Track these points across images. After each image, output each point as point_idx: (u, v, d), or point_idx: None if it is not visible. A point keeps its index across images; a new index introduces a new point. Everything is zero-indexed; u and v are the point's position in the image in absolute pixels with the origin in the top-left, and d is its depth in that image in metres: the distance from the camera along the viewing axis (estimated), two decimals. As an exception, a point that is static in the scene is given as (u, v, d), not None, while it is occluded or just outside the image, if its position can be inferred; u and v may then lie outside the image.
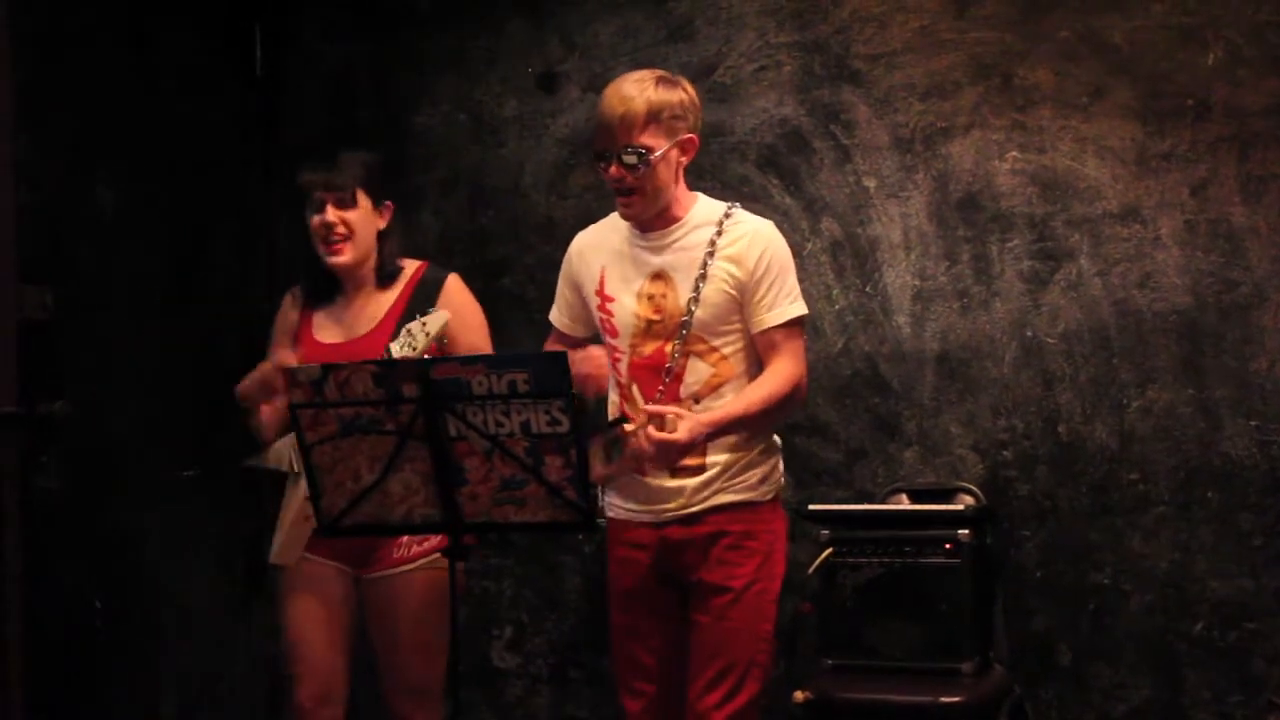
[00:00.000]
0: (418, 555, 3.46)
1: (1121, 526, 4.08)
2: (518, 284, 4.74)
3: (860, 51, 4.36)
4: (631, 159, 3.22)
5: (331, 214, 3.48)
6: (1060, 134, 4.16)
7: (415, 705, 3.50)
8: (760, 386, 3.26)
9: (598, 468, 3.29)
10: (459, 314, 3.47)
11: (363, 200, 3.52)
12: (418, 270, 3.59)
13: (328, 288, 3.58)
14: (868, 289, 4.34)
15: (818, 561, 3.95)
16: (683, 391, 3.28)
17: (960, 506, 4.00)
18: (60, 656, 4.08)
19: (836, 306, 4.36)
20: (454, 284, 3.57)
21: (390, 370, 2.87)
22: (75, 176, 4.27)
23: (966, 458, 4.23)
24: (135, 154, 4.42)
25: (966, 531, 3.86)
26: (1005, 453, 4.20)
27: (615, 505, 3.40)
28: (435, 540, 3.40)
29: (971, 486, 4.15)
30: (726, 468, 3.31)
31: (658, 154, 3.23)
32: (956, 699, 3.67)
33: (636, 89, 3.25)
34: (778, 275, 3.29)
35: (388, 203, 3.59)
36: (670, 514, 3.32)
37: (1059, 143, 4.17)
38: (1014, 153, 4.21)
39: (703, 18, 4.55)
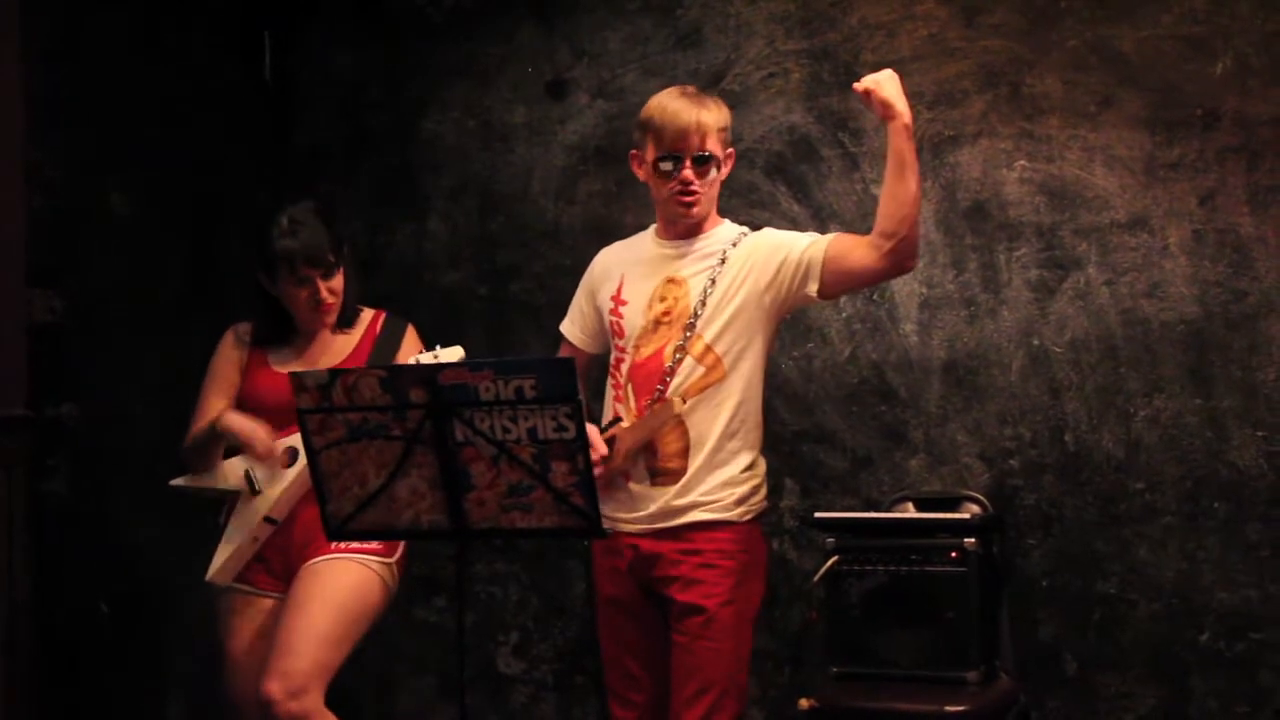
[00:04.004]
0: (353, 550, 3.44)
1: (1128, 536, 4.08)
2: (526, 290, 4.75)
3: (869, 59, 4.36)
4: (704, 163, 3.35)
5: (324, 290, 3.52)
6: (1068, 143, 4.17)
7: (288, 696, 3.28)
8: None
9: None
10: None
11: (339, 261, 3.57)
12: (377, 316, 3.67)
13: (282, 330, 3.62)
14: (875, 297, 4.34)
15: (823, 569, 3.94)
16: (670, 390, 3.31)
17: (966, 515, 3.99)
18: (67, 660, 4.09)
19: (844, 314, 4.37)
20: (413, 333, 3.65)
21: (398, 376, 2.88)
22: (85, 181, 4.28)
23: (973, 466, 4.23)
24: (145, 159, 4.44)
25: (973, 540, 3.86)
26: (1012, 461, 4.19)
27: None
28: (372, 543, 3.43)
29: (978, 495, 4.14)
30: (703, 479, 3.31)
31: (718, 162, 3.38)
32: (962, 708, 3.66)
33: (699, 101, 3.37)
34: (787, 238, 3.40)
35: (345, 248, 3.61)
36: (644, 525, 3.33)
37: (1067, 152, 4.17)
38: (1022, 161, 4.21)
39: (711, 25, 4.56)
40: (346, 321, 3.63)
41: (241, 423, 3.48)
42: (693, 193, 3.35)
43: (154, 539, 4.35)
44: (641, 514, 3.32)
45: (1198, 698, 4.00)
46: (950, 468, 4.25)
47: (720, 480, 3.32)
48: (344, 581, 3.42)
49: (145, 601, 4.35)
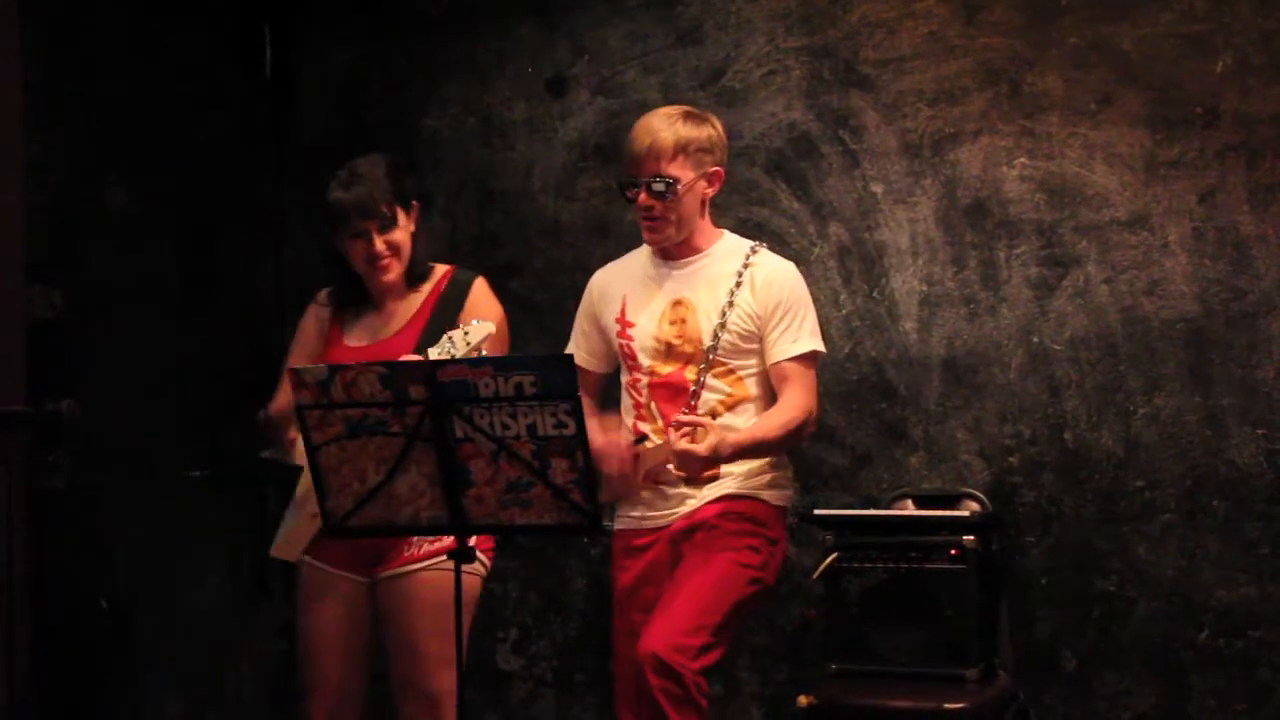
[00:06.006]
0: (428, 554, 3.39)
1: (1127, 534, 4.08)
2: (526, 287, 4.74)
3: (869, 57, 4.36)
4: (659, 187, 3.34)
5: (378, 243, 3.42)
6: (1069, 141, 4.17)
7: (425, 713, 3.38)
8: (777, 414, 3.36)
9: (606, 491, 3.40)
10: (480, 317, 3.41)
11: (400, 215, 3.45)
12: (446, 273, 3.54)
13: (356, 293, 3.54)
14: (875, 294, 4.34)
15: (823, 566, 3.95)
16: (701, 409, 3.36)
17: (966, 512, 4.00)
18: (67, 656, 4.09)
19: (843, 311, 4.37)
20: (481, 287, 3.52)
21: (397, 372, 2.88)
22: (85, 176, 4.28)
23: (972, 463, 4.23)
24: (145, 154, 4.44)
25: (972, 537, 3.86)
26: (1011, 459, 4.19)
27: (622, 516, 3.47)
28: (449, 540, 3.28)
29: (977, 492, 4.15)
30: (736, 474, 3.40)
31: (684, 184, 3.34)
32: (961, 705, 3.67)
33: (665, 122, 3.37)
34: (793, 311, 3.40)
35: (414, 203, 3.52)
36: (678, 516, 3.40)
37: (1067, 149, 4.17)
38: (1022, 159, 4.21)
39: (712, 22, 4.56)
40: (419, 278, 3.51)
41: (283, 412, 3.39)
42: (652, 218, 3.38)
43: (154, 534, 4.35)
44: (678, 510, 3.39)
45: (1196, 695, 4.00)
46: (950, 465, 4.25)
47: (754, 471, 3.41)
48: (434, 596, 3.32)
49: (144, 596, 4.35)
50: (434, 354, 3.31)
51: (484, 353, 3.32)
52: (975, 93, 4.26)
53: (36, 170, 4.05)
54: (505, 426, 2.82)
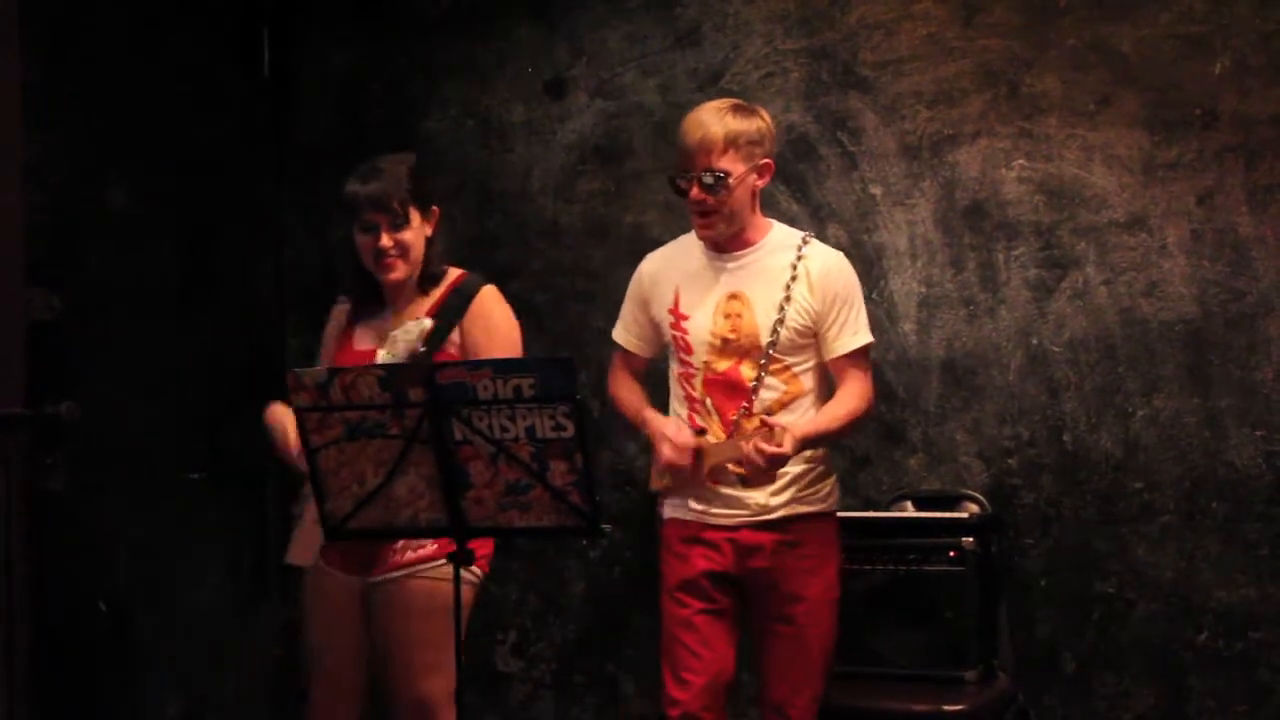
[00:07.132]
0: (411, 561, 3.34)
1: (1126, 535, 4.08)
2: (525, 289, 4.74)
3: (868, 59, 4.36)
4: (710, 181, 3.35)
5: (385, 238, 3.38)
6: (1067, 142, 4.17)
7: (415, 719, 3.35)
8: (843, 403, 3.40)
9: (658, 479, 3.44)
10: (485, 325, 3.40)
11: (414, 215, 3.42)
12: (456, 279, 3.49)
13: (375, 298, 3.50)
14: (874, 296, 4.34)
15: (822, 568, 3.95)
16: (757, 406, 3.38)
17: (965, 514, 4.00)
18: (66, 658, 4.09)
19: (843, 313, 4.36)
20: (487, 295, 3.46)
21: (396, 374, 2.88)
22: (84, 178, 4.28)
23: (971, 465, 4.23)
24: (144, 156, 4.44)
25: (971, 539, 3.87)
26: (1010, 460, 4.20)
27: (676, 504, 3.48)
28: (431, 548, 3.32)
29: (976, 494, 4.15)
30: (796, 479, 3.40)
31: (735, 177, 3.36)
32: (960, 707, 3.67)
33: (714, 116, 3.38)
34: (849, 304, 3.44)
35: (434, 208, 3.48)
36: (744, 519, 3.40)
37: (1066, 151, 4.17)
38: (1021, 161, 4.21)
39: (710, 24, 4.56)
40: (430, 282, 3.47)
41: (277, 419, 3.35)
42: (705, 213, 3.39)
43: (154, 535, 4.35)
44: (742, 511, 3.40)
45: (1196, 697, 4.00)
46: (949, 467, 4.25)
47: (812, 475, 3.43)
48: (417, 605, 3.32)
49: (144, 598, 4.35)
50: (381, 355, 3.31)
51: (422, 349, 3.31)
52: (974, 94, 4.26)
53: (36, 170, 4.05)
54: (504, 429, 2.83)
